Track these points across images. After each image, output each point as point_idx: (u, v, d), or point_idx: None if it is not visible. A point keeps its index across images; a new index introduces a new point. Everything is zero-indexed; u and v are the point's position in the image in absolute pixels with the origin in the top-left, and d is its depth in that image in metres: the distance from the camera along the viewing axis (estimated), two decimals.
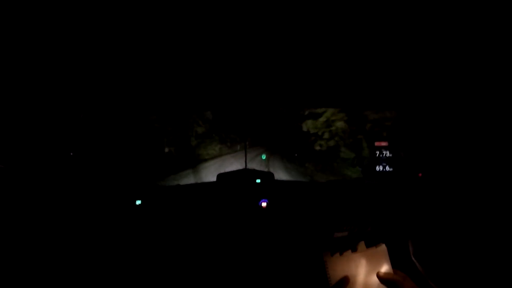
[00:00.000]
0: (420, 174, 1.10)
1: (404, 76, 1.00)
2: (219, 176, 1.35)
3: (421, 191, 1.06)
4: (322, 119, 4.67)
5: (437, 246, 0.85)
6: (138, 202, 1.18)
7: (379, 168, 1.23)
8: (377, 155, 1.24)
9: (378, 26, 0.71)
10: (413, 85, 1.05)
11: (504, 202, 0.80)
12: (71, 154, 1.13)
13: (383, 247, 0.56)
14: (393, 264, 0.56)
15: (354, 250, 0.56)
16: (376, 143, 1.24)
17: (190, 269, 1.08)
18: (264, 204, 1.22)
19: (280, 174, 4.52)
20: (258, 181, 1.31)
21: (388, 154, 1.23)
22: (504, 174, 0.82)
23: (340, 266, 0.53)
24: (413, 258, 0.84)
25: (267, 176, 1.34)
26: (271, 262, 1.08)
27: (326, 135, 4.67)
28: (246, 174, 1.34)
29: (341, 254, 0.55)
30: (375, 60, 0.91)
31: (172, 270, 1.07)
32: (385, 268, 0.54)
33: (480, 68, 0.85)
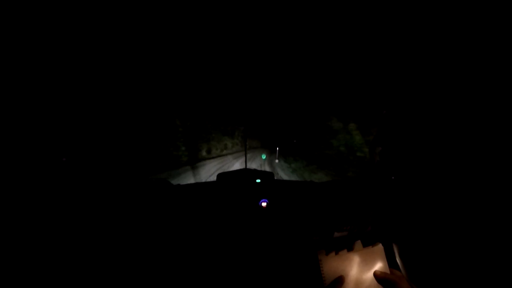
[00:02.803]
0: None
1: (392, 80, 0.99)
2: (219, 175, 1.35)
3: (419, 193, 1.06)
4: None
5: (427, 248, 0.85)
6: None
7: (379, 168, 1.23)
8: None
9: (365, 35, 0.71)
10: (400, 89, 1.05)
11: (496, 204, 0.80)
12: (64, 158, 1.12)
13: (379, 246, 0.56)
14: (390, 264, 0.56)
15: (350, 249, 0.56)
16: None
17: (189, 268, 1.08)
18: (264, 204, 1.22)
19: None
20: (258, 181, 1.31)
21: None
22: (498, 175, 0.83)
23: (335, 265, 0.53)
24: (398, 259, 0.84)
25: (267, 176, 1.34)
26: (271, 262, 1.08)
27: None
28: (246, 174, 1.34)
29: (336, 253, 0.55)
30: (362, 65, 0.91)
31: (172, 270, 1.08)
32: (381, 267, 0.54)
33: (474, 70, 0.85)
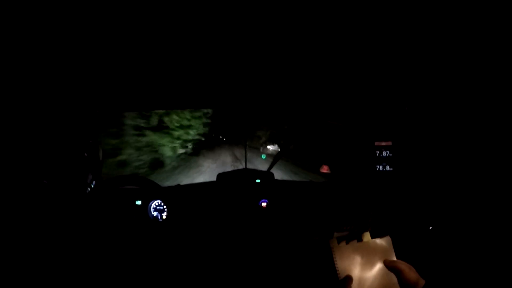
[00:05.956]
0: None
1: (408, 77, 0.99)
2: (219, 176, 1.35)
3: (420, 190, 1.06)
4: None
5: (431, 244, 0.85)
6: (138, 202, 1.18)
7: (379, 168, 1.23)
8: (377, 155, 1.23)
9: (379, 28, 0.71)
10: (417, 87, 1.04)
11: (499, 203, 0.81)
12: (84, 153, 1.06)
13: (388, 238, 0.58)
14: (398, 256, 0.57)
15: (360, 240, 0.57)
16: (376, 143, 1.23)
17: (190, 268, 1.08)
18: (264, 204, 1.22)
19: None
20: (258, 181, 1.31)
21: (388, 154, 1.22)
22: (502, 174, 0.83)
23: (346, 254, 0.55)
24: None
25: (267, 176, 1.34)
26: (271, 262, 1.08)
27: None
28: (246, 174, 1.34)
29: (347, 243, 0.57)
30: (376, 61, 0.91)
31: (172, 270, 1.07)
32: (390, 258, 0.55)
33: (481, 70, 0.85)
